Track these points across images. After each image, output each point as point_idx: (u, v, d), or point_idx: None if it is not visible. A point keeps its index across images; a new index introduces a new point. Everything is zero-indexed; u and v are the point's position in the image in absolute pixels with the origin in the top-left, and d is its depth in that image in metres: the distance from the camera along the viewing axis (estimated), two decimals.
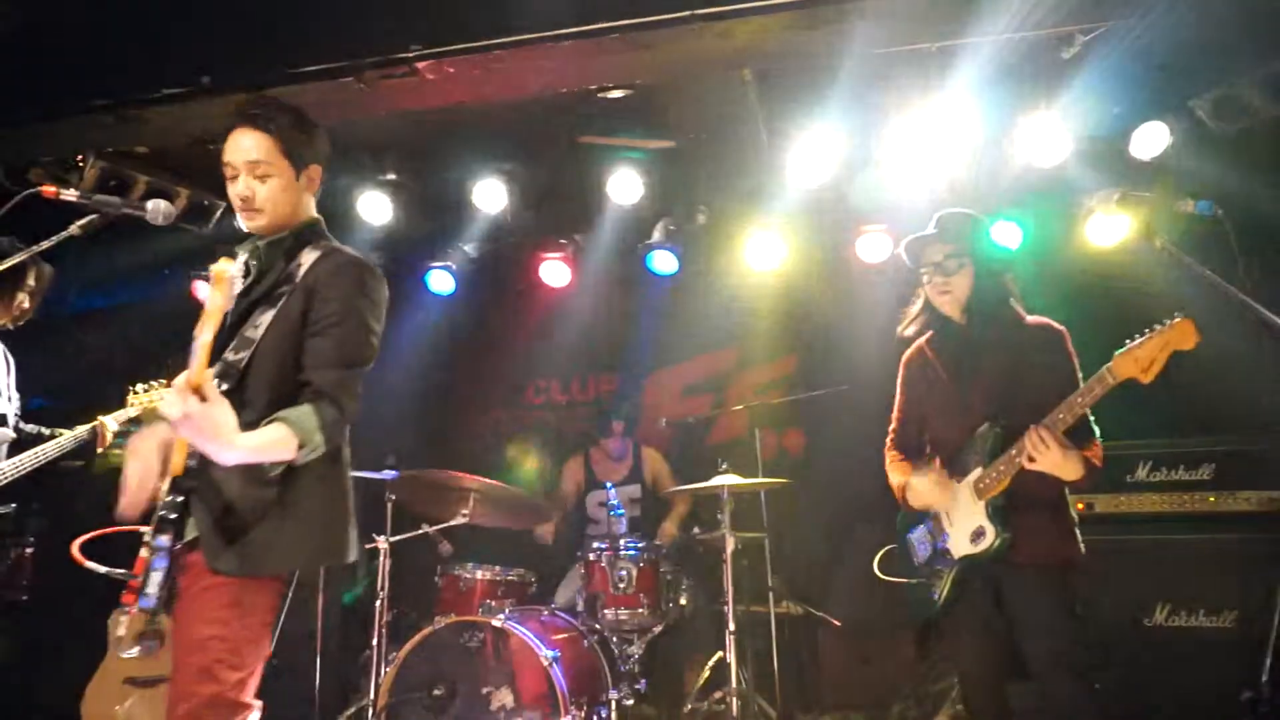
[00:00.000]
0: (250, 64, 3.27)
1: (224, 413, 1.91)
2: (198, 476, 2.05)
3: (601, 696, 3.74)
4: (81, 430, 3.50)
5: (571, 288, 5.10)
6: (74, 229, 2.24)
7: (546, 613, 3.94)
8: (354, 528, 2.22)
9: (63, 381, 4.65)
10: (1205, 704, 3.31)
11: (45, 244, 2.27)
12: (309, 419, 2.02)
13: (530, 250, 5.06)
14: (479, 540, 4.43)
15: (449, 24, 3.07)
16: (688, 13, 2.88)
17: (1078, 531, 2.69)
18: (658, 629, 3.97)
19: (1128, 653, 3.58)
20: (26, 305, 3.41)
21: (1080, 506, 2.99)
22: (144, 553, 2.01)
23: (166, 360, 2.96)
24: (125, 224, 2.42)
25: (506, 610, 3.75)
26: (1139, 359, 2.44)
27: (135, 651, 1.99)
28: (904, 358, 2.96)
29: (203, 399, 1.89)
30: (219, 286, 1.90)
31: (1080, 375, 2.67)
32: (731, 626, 3.69)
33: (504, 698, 3.57)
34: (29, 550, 4.87)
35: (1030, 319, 2.81)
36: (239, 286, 1.95)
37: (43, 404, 4.19)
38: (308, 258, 2.20)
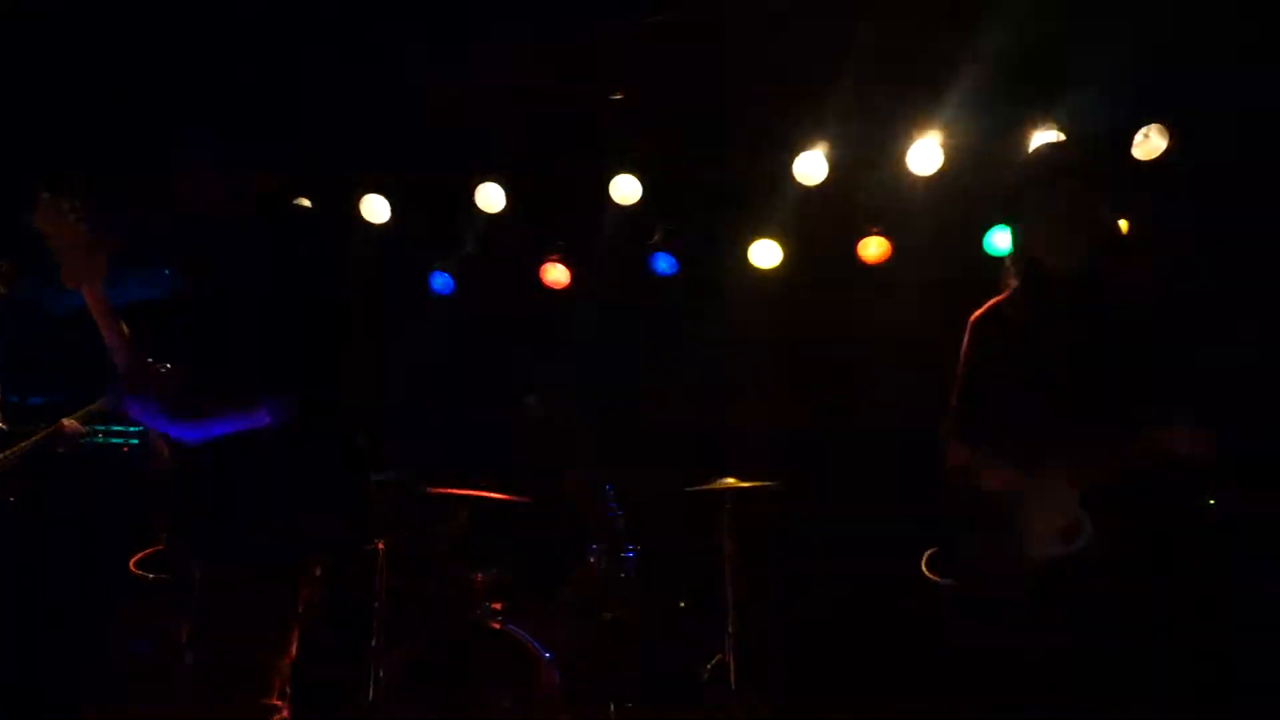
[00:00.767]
0: None
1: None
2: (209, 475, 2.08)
3: (603, 697, 3.75)
4: (41, 433, 3.51)
5: (572, 288, 5.10)
6: None
7: (545, 613, 3.96)
8: (363, 514, 2.27)
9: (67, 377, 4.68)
10: None
11: None
12: None
13: (531, 253, 5.06)
14: (477, 538, 4.44)
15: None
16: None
17: None
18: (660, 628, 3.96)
19: None
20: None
21: None
22: None
23: None
24: None
25: (506, 611, 3.76)
26: None
27: None
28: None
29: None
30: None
31: None
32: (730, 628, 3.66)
33: (503, 698, 3.60)
34: None
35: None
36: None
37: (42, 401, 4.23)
38: None
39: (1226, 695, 2.75)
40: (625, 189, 4.40)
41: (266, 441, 2.06)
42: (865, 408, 4.60)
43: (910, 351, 3.98)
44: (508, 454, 5.26)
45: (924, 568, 2.64)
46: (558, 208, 4.81)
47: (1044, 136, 3.81)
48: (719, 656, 3.94)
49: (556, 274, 5.04)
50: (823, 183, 4.27)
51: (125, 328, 1.99)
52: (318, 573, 2.22)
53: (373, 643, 3.74)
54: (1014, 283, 2.33)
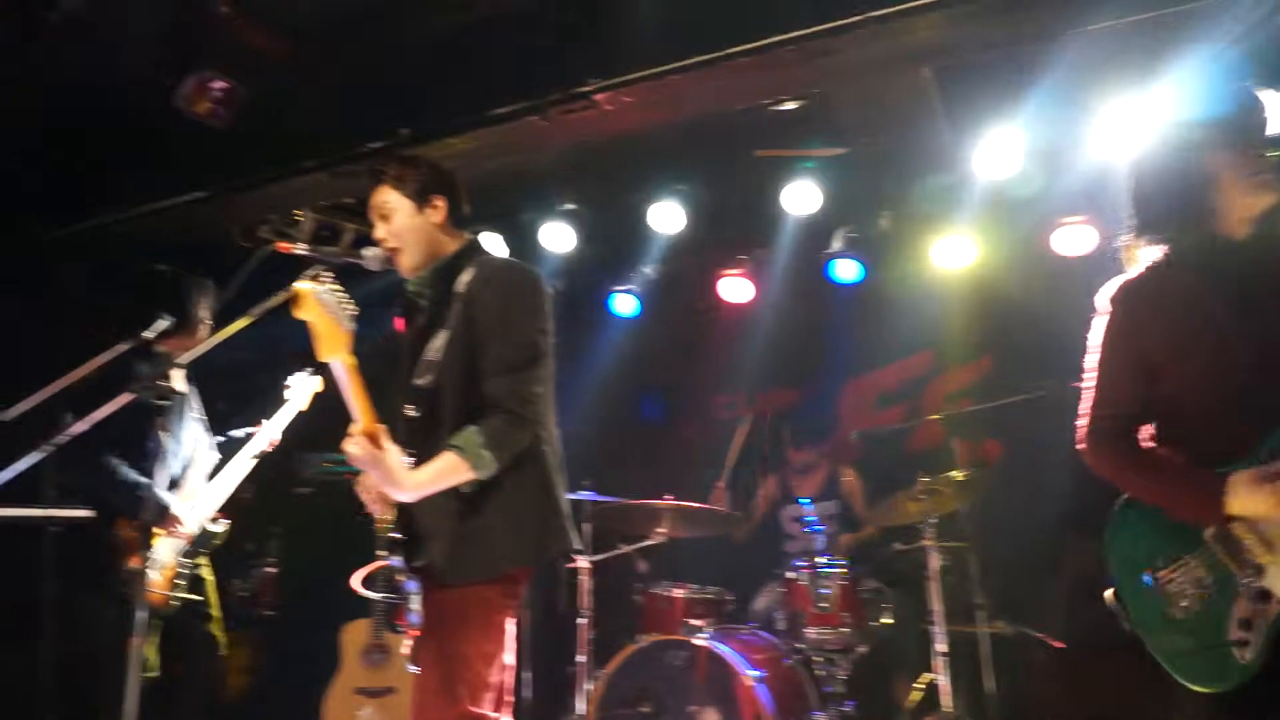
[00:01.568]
0: (442, 114, 3.51)
1: (391, 460, 2.07)
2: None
3: (808, 718, 3.67)
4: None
5: (754, 302, 5.08)
6: (302, 279, 2.46)
7: (746, 631, 3.93)
8: (564, 524, 2.29)
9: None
10: None
11: (279, 297, 2.50)
12: (474, 440, 2.12)
13: (710, 268, 5.09)
14: (673, 554, 4.48)
15: (624, 54, 3.16)
16: (863, 15, 2.81)
17: None
18: (862, 649, 3.86)
19: None
20: (205, 335, 3.60)
21: None
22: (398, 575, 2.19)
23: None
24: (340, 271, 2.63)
25: (708, 629, 3.76)
26: None
27: (366, 662, 2.18)
28: (1116, 293, 2.04)
29: (376, 446, 2.04)
30: (304, 307, 1.93)
31: None
32: (942, 647, 3.52)
33: (710, 717, 3.58)
34: (273, 569, 5.39)
35: None
36: (331, 301, 1.98)
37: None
38: (466, 275, 2.32)
39: None
40: (801, 196, 4.31)
41: None
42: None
43: None
44: (697, 469, 5.30)
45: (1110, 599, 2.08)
46: (734, 222, 4.79)
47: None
48: (929, 677, 3.77)
49: (737, 288, 5.01)
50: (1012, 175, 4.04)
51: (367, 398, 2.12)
52: (524, 588, 2.30)
53: (579, 659, 3.82)
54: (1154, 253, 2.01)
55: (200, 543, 3.66)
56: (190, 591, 3.58)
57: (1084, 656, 4.07)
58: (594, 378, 5.32)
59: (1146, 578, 1.96)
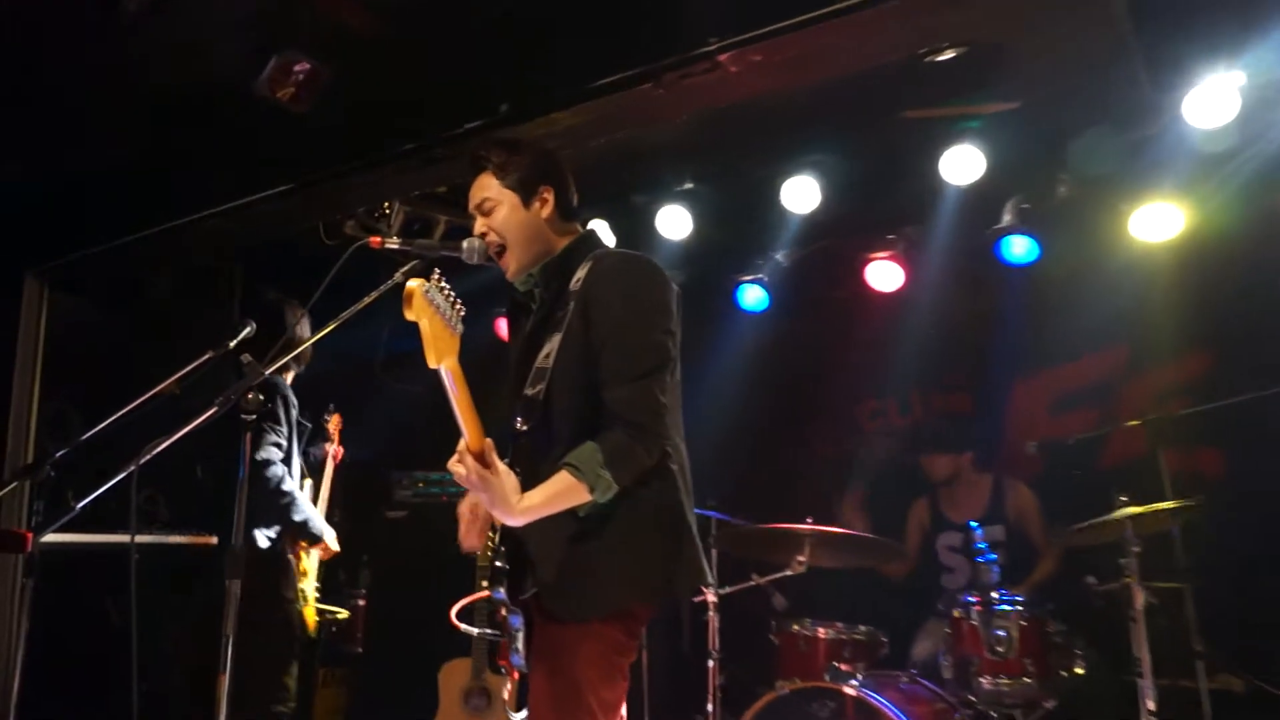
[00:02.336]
0: (543, 87, 3.56)
1: (502, 481, 2.08)
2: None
3: None
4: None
5: (905, 289, 5.00)
6: (399, 277, 2.54)
7: (905, 679, 3.85)
8: (697, 554, 2.29)
9: (374, 427, 5.34)
10: None
11: (373, 295, 2.60)
12: (593, 458, 2.13)
13: (853, 251, 5.03)
14: (813, 586, 4.43)
15: (752, 7, 3.13)
16: None
17: None
18: (1049, 704, 3.75)
19: None
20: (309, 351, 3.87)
21: None
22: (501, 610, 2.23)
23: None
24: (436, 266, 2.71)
25: (859, 675, 3.70)
26: None
27: (467, 707, 2.22)
28: None
29: (485, 465, 2.07)
30: (414, 307, 1.93)
31: None
32: (1151, 705, 3.35)
33: None
34: (362, 601, 5.60)
35: None
36: (441, 301, 2.02)
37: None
38: (581, 272, 2.34)
39: None
40: (963, 163, 4.19)
41: None
42: None
43: None
44: (840, 488, 5.22)
45: None
46: (881, 196, 4.70)
47: None
48: None
49: (886, 274, 4.94)
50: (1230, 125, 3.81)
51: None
52: (645, 625, 2.31)
53: (707, 708, 3.82)
54: None
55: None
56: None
57: None
58: (718, 381, 5.31)
59: None
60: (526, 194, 2.43)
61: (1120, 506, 3.64)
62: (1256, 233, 4.42)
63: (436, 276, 2.00)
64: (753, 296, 5.13)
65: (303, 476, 4.22)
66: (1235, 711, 4.01)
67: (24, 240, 4.53)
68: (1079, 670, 3.83)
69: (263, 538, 3.90)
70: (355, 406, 5.03)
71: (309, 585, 4.16)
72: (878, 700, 3.53)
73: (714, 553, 4.23)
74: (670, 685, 4.90)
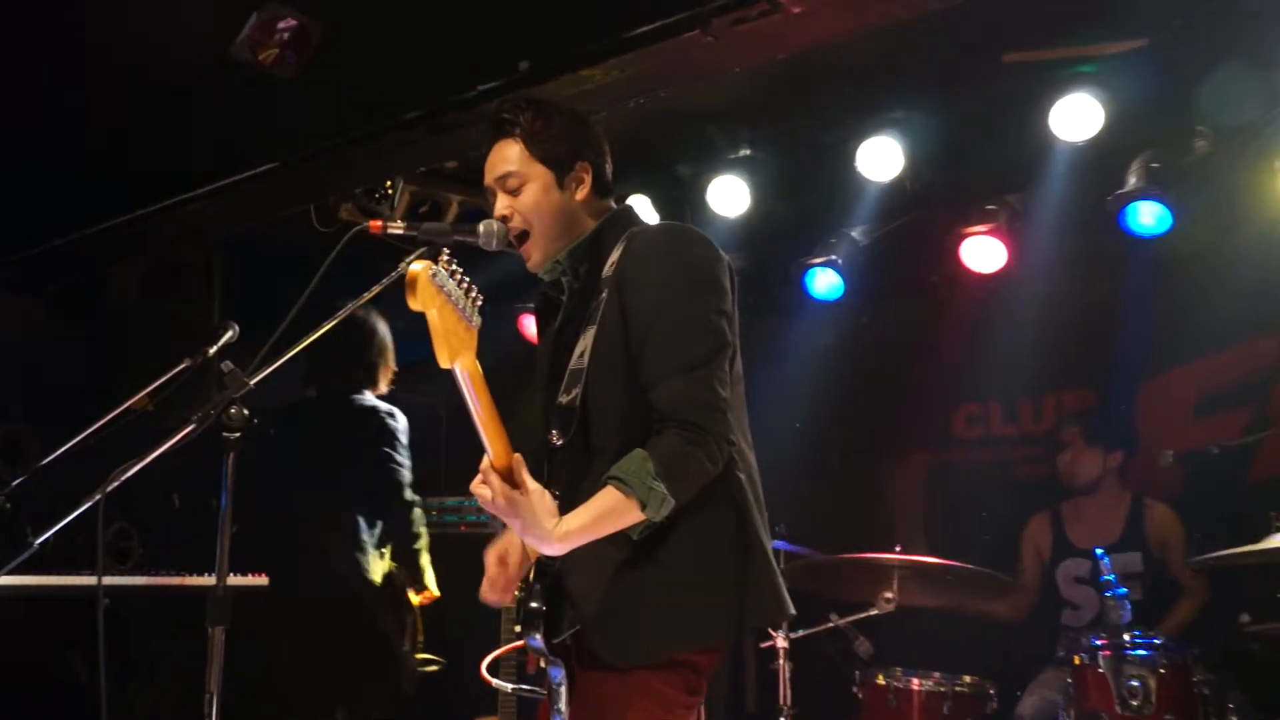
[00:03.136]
0: (572, 39, 3.56)
1: (535, 503, 2.04)
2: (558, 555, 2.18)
3: None
4: None
5: (1009, 271, 4.96)
6: (404, 267, 2.52)
7: None
8: (775, 579, 2.27)
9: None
10: None
11: (375, 289, 2.59)
12: (643, 469, 2.08)
13: (945, 226, 4.99)
14: (905, 629, 4.40)
15: None
16: None
17: None
18: None
19: None
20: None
21: None
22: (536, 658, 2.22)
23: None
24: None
25: None
26: None
27: None
28: None
29: (513, 485, 2.03)
30: (419, 295, 1.89)
31: None
32: None
33: None
34: None
35: None
36: (453, 287, 1.97)
37: None
38: (615, 253, 2.31)
39: None
40: (1077, 116, 4.13)
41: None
42: None
43: None
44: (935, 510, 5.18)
45: None
46: (977, 159, 4.65)
47: None
48: None
49: (984, 252, 4.88)
50: None
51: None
52: (708, 679, 2.27)
53: None
54: None
55: None
56: None
57: None
58: (784, 384, 5.30)
59: None
60: (561, 171, 2.39)
61: (1278, 529, 3.58)
62: None
63: (446, 257, 1.98)
64: (824, 283, 5.09)
65: None
66: None
67: None
68: None
69: (377, 575, 4.13)
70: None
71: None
72: None
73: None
74: None
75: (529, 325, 5.18)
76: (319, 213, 4.68)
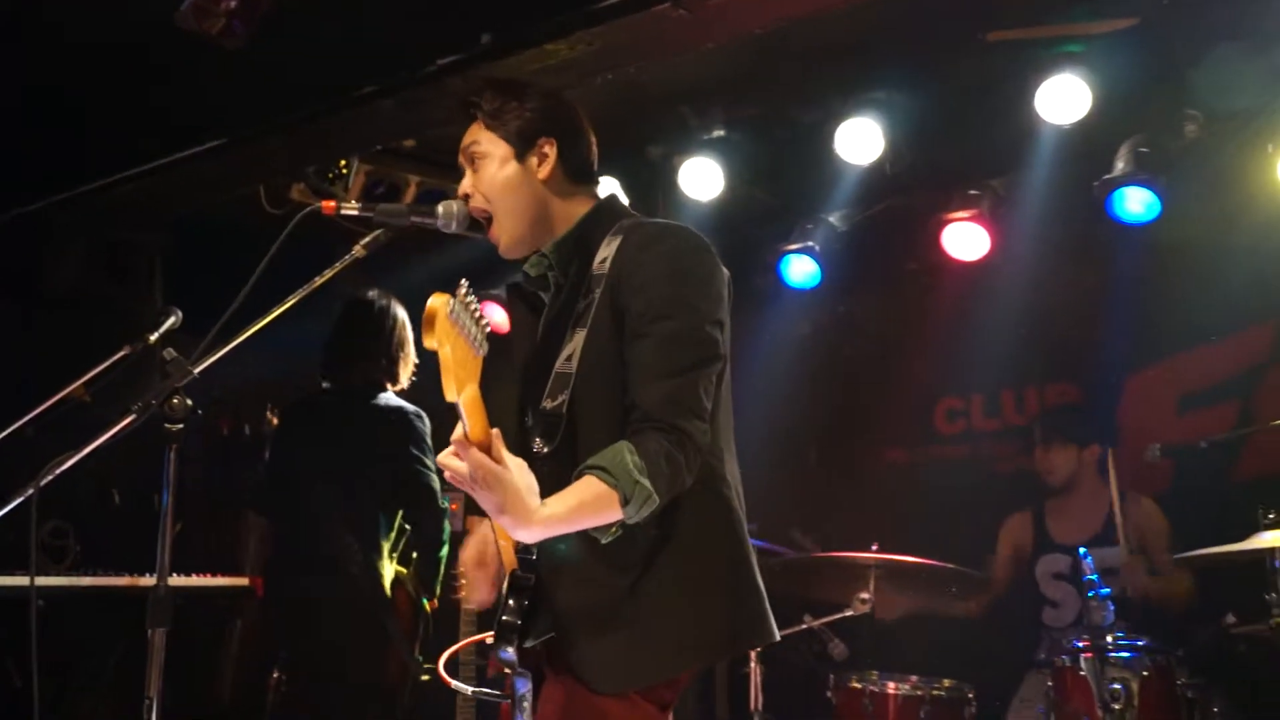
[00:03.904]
0: (535, 10, 3.54)
1: (516, 479, 1.95)
2: (537, 564, 2.16)
3: None
4: None
5: (992, 258, 4.98)
6: (358, 250, 2.51)
7: None
8: (760, 602, 2.25)
9: None
10: None
11: (327, 274, 2.56)
12: (626, 462, 2.03)
13: (926, 211, 5.01)
14: (881, 630, 4.43)
15: None
16: None
17: None
18: None
19: None
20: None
21: None
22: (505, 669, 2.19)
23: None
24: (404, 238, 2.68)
25: None
26: None
27: None
28: None
29: (493, 458, 1.94)
30: (436, 332, 1.83)
31: None
32: None
33: None
34: None
35: None
36: (468, 321, 1.92)
37: None
38: (607, 250, 2.29)
39: None
40: (1063, 97, 4.15)
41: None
42: None
43: None
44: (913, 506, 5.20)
45: None
46: (960, 142, 4.67)
47: None
48: None
49: (966, 239, 4.90)
50: None
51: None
52: (679, 692, 2.25)
53: None
54: None
55: None
56: None
57: None
58: (758, 376, 5.29)
59: None
60: (522, 147, 2.38)
61: (1267, 527, 3.62)
62: None
63: (464, 290, 1.92)
64: (800, 270, 5.10)
65: None
66: None
67: None
68: None
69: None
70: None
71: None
72: None
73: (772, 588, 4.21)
74: None
75: (493, 313, 5.13)
76: (269, 193, 4.65)
